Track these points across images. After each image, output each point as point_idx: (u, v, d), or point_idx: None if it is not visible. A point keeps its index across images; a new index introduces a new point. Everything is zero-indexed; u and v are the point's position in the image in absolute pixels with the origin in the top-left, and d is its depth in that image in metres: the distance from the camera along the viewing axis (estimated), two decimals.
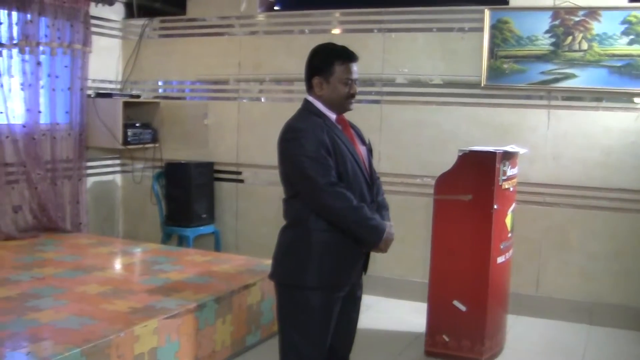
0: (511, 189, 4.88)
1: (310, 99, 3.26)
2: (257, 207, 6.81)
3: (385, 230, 3.18)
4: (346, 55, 3.23)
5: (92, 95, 6.84)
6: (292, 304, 3.23)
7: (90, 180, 7.08)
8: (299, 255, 3.20)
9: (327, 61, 3.21)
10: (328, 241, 3.16)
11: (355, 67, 3.23)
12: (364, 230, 3.15)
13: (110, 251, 5.88)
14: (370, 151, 3.41)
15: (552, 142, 5.73)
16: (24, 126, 6.15)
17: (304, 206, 3.17)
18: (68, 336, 3.62)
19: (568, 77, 5.58)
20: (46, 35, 6.27)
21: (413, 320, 5.47)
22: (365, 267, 3.37)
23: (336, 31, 6.42)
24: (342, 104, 3.24)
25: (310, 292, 3.17)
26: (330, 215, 3.12)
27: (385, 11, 6.23)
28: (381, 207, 3.38)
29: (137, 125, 7.05)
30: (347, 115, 3.34)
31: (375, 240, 3.17)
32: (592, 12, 5.48)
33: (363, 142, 3.39)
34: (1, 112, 5.96)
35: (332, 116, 3.23)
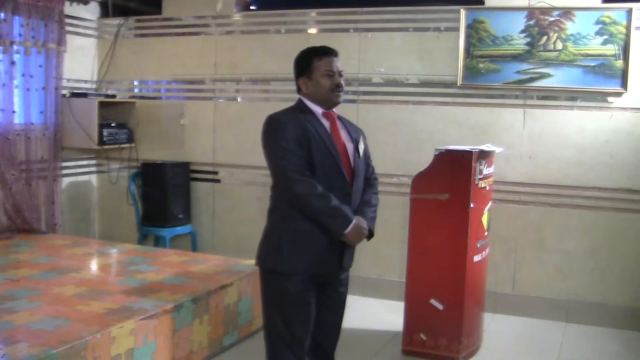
0: (487, 187, 4.90)
1: (302, 98, 3.45)
2: (233, 207, 6.79)
3: (352, 222, 3.26)
4: (323, 50, 3.44)
5: (67, 95, 6.79)
6: (270, 288, 3.39)
7: (66, 181, 7.03)
8: (275, 241, 3.36)
9: (307, 60, 3.42)
10: (301, 228, 3.27)
11: (335, 61, 3.41)
12: (327, 218, 3.24)
13: (86, 252, 5.84)
14: (357, 149, 3.47)
15: (528, 141, 5.76)
16: None
17: (281, 194, 3.34)
18: (43, 338, 3.59)
19: (543, 76, 5.62)
20: (20, 35, 6.21)
21: (390, 319, 5.48)
22: (341, 261, 3.39)
23: (312, 31, 6.42)
24: (328, 97, 3.38)
25: (284, 277, 3.30)
26: (297, 202, 3.26)
27: (361, 11, 6.24)
28: (363, 204, 3.46)
29: (113, 125, 7.01)
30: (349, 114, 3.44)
31: (338, 230, 3.24)
32: (567, 13, 5.52)
33: (352, 139, 3.48)
34: None
35: (319, 111, 3.39)
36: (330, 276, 3.44)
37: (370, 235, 3.47)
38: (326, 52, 3.44)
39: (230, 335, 4.86)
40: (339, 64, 3.44)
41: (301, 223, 3.27)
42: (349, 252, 3.43)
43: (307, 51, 3.49)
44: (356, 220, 3.29)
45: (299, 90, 3.48)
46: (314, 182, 3.21)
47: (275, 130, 3.28)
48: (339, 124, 3.48)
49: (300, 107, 3.42)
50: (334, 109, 3.47)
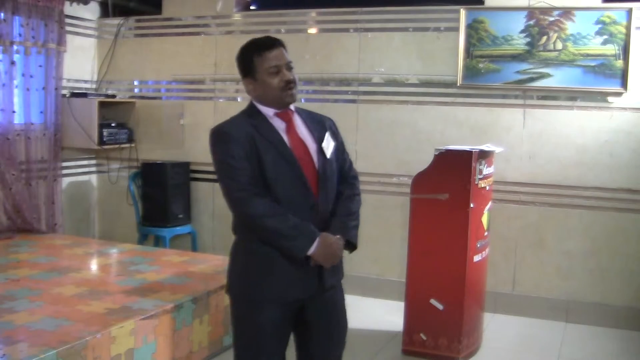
0: (487, 187, 4.90)
1: (253, 101, 3.02)
2: None
3: (316, 241, 2.82)
4: (261, 45, 2.96)
5: (67, 95, 6.79)
6: (234, 317, 3.02)
7: (66, 181, 7.03)
8: (240, 264, 2.99)
9: (246, 58, 2.99)
10: (257, 251, 2.89)
11: (280, 53, 2.93)
12: (285, 240, 2.82)
13: (86, 252, 5.84)
14: (321, 150, 2.99)
15: (528, 141, 5.76)
16: None
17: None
18: (44, 338, 3.59)
19: (543, 76, 5.61)
20: (20, 35, 6.22)
21: (390, 319, 5.48)
22: (321, 279, 2.94)
23: (312, 31, 6.42)
24: (280, 97, 2.91)
25: (253, 306, 2.91)
26: (249, 225, 2.88)
27: (361, 11, 6.24)
28: (339, 213, 3.00)
29: (113, 125, 7.01)
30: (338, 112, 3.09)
31: (300, 252, 2.81)
32: (567, 12, 5.52)
33: (315, 138, 3.00)
34: None
35: (269, 113, 2.95)
36: (311, 300, 2.97)
37: (352, 247, 3.02)
38: (266, 46, 2.94)
39: (230, 335, 4.85)
40: (286, 54, 2.95)
41: (256, 245, 2.89)
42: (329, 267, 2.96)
43: (244, 48, 3.03)
44: (321, 237, 2.83)
45: (250, 94, 3.03)
46: (265, 200, 2.80)
47: (219, 145, 2.89)
48: (297, 121, 3.01)
49: (248, 111, 3.00)
50: (291, 106, 3.00)
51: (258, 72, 2.93)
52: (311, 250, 2.81)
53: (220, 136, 2.92)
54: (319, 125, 3.06)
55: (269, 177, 2.83)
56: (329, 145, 3.02)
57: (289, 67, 2.93)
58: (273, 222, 2.79)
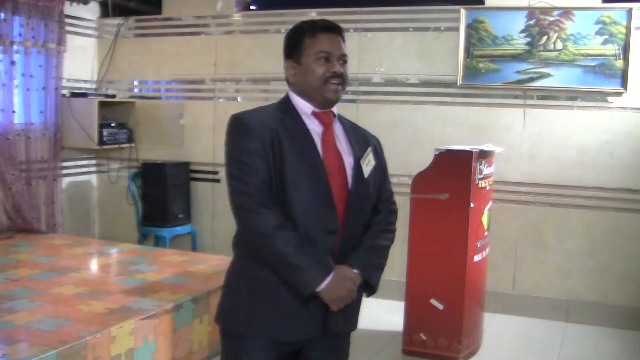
0: (487, 187, 4.90)
1: (290, 92, 2.56)
2: None
3: (330, 276, 2.32)
4: (318, 25, 2.51)
5: (67, 95, 6.78)
6: (222, 350, 2.56)
7: (66, 181, 7.03)
8: (232, 289, 2.51)
9: (296, 37, 2.51)
10: (255, 276, 2.41)
11: (335, 39, 2.50)
12: (289, 269, 2.31)
13: (86, 252, 5.83)
14: (360, 165, 2.52)
15: (528, 140, 5.76)
16: None
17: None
18: (44, 338, 3.59)
19: (543, 76, 5.61)
20: (20, 35, 6.21)
21: (390, 319, 5.48)
22: (326, 323, 2.45)
23: None
24: (319, 90, 2.45)
25: (237, 342, 2.46)
26: (251, 240, 2.39)
27: (361, 10, 6.24)
28: (364, 247, 2.48)
29: (113, 125, 7.01)
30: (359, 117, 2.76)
31: (307, 285, 2.31)
32: (567, 12, 5.52)
33: (354, 152, 2.53)
34: None
35: (306, 110, 2.49)
36: (311, 344, 2.50)
37: (371, 290, 2.52)
38: (323, 27, 2.49)
39: None
40: (343, 46, 2.54)
41: (259, 267, 2.39)
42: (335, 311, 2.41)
43: (298, 24, 2.55)
44: (337, 271, 2.34)
45: (288, 81, 2.56)
46: (275, 213, 2.31)
47: (234, 136, 2.40)
48: (337, 129, 2.55)
49: (282, 105, 2.52)
50: (333, 108, 2.54)
51: (305, 54, 2.46)
52: (322, 286, 2.31)
53: (237, 126, 2.41)
54: (363, 140, 2.62)
55: (288, 186, 2.34)
56: (369, 163, 2.54)
57: (344, 61, 2.52)
58: (281, 243, 2.29)
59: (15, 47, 6.17)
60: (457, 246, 4.67)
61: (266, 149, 2.34)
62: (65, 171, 6.97)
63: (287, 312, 2.39)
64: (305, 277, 2.29)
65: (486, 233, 4.94)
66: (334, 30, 2.50)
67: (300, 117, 2.46)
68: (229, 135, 2.42)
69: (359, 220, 2.48)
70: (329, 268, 2.32)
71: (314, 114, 2.48)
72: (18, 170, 6.26)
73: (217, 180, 6.90)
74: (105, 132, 6.84)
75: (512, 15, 5.67)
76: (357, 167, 2.48)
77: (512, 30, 5.68)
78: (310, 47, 2.45)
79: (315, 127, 2.47)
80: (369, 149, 2.58)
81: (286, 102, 2.51)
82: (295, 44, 2.49)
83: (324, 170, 2.39)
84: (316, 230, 2.35)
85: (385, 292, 6.06)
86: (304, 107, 2.48)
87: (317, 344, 2.50)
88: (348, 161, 2.48)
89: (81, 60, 7.16)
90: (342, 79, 2.47)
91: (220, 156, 6.84)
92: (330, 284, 2.31)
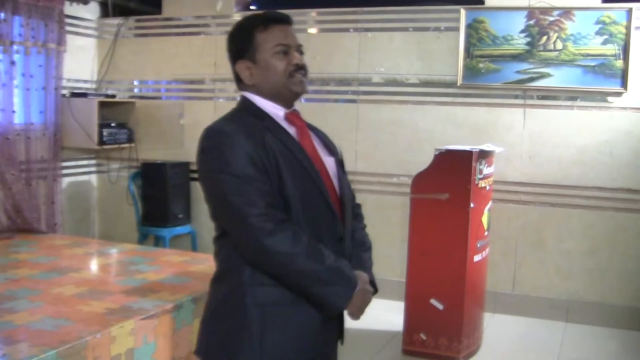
0: (487, 187, 4.91)
1: (247, 94, 2.33)
2: None
3: (357, 286, 2.21)
4: (269, 17, 2.31)
5: (67, 95, 6.78)
6: None
7: (66, 181, 7.03)
8: (229, 325, 2.23)
9: (245, 34, 2.30)
10: (272, 301, 2.18)
11: (289, 30, 2.32)
12: (322, 286, 2.14)
13: (86, 252, 5.82)
14: (341, 165, 2.42)
15: (528, 140, 5.76)
16: None
17: (235, 250, 2.22)
18: (44, 338, 3.59)
19: (543, 76, 5.62)
20: (20, 35, 6.21)
21: (390, 319, 5.48)
22: (340, 335, 2.42)
23: (312, 30, 6.42)
24: (285, 85, 2.26)
25: None
26: (270, 263, 2.14)
27: (361, 10, 6.24)
28: (359, 246, 2.43)
29: (113, 125, 7.01)
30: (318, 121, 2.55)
31: (339, 301, 2.18)
32: (567, 12, 5.52)
33: (331, 151, 2.40)
34: None
35: (279, 113, 2.29)
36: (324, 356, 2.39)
37: (375, 289, 2.42)
38: (274, 19, 2.30)
39: None
40: (295, 35, 2.35)
41: (272, 291, 2.17)
42: (342, 321, 2.41)
43: (244, 20, 2.34)
44: (360, 281, 2.24)
45: (239, 83, 2.37)
46: (294, 229, 2.12)
47: (220, 149, 2.14)
48: (307, 129, 2.38)
49: (249, 109, 2.29)
50: (295, 107, 2.37)
51: (260, 51, 2.26)
52: (352, 299, 2.20)
53: (222, 139, 2.16)
54: (328, 138, 2.48)
55: (290, 197, 2.16)
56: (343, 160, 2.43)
57: (300, 51, 2.32)
58: (308, 261, 2.10)
59: (15, 47, 6.17)
60: (457, 246, 4.67)
61: (262, 159, 2.13)
62: (65, 171, 6.97)
63: (309, 335, 2.24)
64: (339, 292, 2.17)
65: (486, 233, 4.94)
66: (286, 20, 2.33)
67: (275, 121, 2.27)
68: (212, 151, 2.17)
69: (349, 220, 2.37)
70: (354, 279, 2.20)
71: (286, 117, 2.30)
72: (18, 170, 6.26)
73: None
74: (105, 132, 6.84)
75: (512, 15, 5.67)
76: (338, 167, 2.37)
77: (512, 30, 5.68)
78: (265, 41, 2.26)
79: (290, 130, 2.28)
80: (339, 149, 2.46)
81: (254, 107, 2.30)
82: (245, 42, 2.29)
83: (320, 179, 2.23)
84: (325, 239, 2.21)
85: (385, 292, 6.08)
86: (274, 110, 2.29)
87: (330, 354, 2.43)
88: (328, 163, 2.33)
89: (81, 60, 7.16)
90: (305, 70, 2.30)
91: None
92: (358, 295, 2.21)
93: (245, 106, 2.31)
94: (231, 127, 2.18)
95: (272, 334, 2.17)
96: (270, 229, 2.08)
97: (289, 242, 2.08)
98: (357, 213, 2.51)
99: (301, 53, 2.32)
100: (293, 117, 2.31)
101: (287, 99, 2.29)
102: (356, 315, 2.25)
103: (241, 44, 2.30)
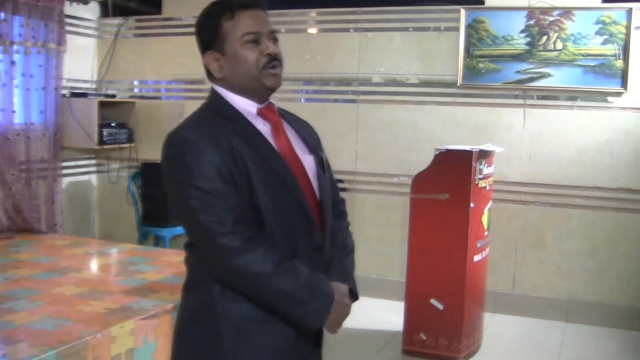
0: (487, 187, 4.91)
1: (217, 88, 2.15)
2: None
3: (334, 301, 2.02)
4: (235, 3, 2.08)
5: (67, 95, 6.78)
6: None
7: (66, 181, 7.02)
8: (204, 336, 2.08)
9: (211, 23, 2.12)
10: (245, 317, 2.02)
11: (259, 15, 2.11)
12: (296, 306, 1.98)
13: (86, 252, 5.82)
14: (321, 163, 2.18)
15: (528, 140, 5.76)
16: None
17: (209, 265, 2.07)
18: (44, 338, 3.59)
19: (543, 76, 5.62)
20: (20, 35, 6.21)
21: (390, 319, 5.48)
22: (317, 338, 2.19)
23: (312, 30, 6.42)
24: (257, 79, 2.05)
25: None
26: (236, 284, 2.00)
27: (361, 10, 6.23)
28: (340, 250, 2.22)
29: (113, 125, 7.00)
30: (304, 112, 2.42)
31: (315, 319, 2.02)
32: (567, 12, 5.52)
33: (310, 148, 2.19)
34: None
35: (251, 110, 2.09)
36: None
37: (355, 297, 2.18)
38: (241, 4, 2.08)
39: None
40: (269, 21, 2.14)
41: (245, 307, 2.02)
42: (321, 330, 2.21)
43: (210, 7, 2.17)
44: (337, 295, 2.05)
45: (209, 76, 2.17)
46: (265, 246, 1.95)
47: (182, 159, 1.97)
48: (285, 125, 2.16)
49: (218, 107, 2.11)
50: (270, 99, 2.15)
51: (228, 40, 2.06)
52: (329, 315, 2.03)
53: (185, 148, 1.97)
54: (308, 130, 2.27)
55: (263, 208, 1.98)
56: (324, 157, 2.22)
57: (274, 38, 2.11)
58: (283, 281, 1.95)
59: (15, 47, 6.16)
60: (457, 246, 4.67)
61: (229, 169, 1.95)
62: (65, 171, 6.97)
63: (285, 347, 2.07)
64: (312, 310, 2.00)
65: (486, 233, 4.94)
66: (256, 5, 2.11)
67: (248, 121, 2.07)
68: (175, 161, 2.01)
69: (330, 225, 2.17)
70: (330, 295, 2.02)
71: (259, 113, 2.09)
72: (18, 170, 6.26)
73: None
74: (105, 132, 6.83)
75: (512, 15, 5.67)
76: (318, 167, 2.15)
77: (512, 30, 5.68)
78: (233, 30, 2.05)
79: (263, 128, 2.08)
80: (320, 146, 2.25)
81: (220, 102, 2.11)
82: (212, 31, 2.09)
83: (296, 184, 2.03)
84: (301, 251, 2.05)
85: (385, 292, 6.10)
86: (245, 106, 2.08)
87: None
88: (307, 162, 2.12)
89: (81, 60, 7.16)
90: (279, 61, 2.08)
91: None
92: (335, 310, 2.03)
93: (215, 103, 2.13)
94: (193, 133, 2.00)
95: (249, 355, 2.03)
96: (238, 248, 1.92)
97: (259, 262, 1.92)
98: (340, 210, 2.32)
99: (275, 40, 2.11)
100: (267, 112, 2.10)
101: (259, 93, 2.09)
102: (334, 329, 2.09)
103: (208, 33, 2.12)
